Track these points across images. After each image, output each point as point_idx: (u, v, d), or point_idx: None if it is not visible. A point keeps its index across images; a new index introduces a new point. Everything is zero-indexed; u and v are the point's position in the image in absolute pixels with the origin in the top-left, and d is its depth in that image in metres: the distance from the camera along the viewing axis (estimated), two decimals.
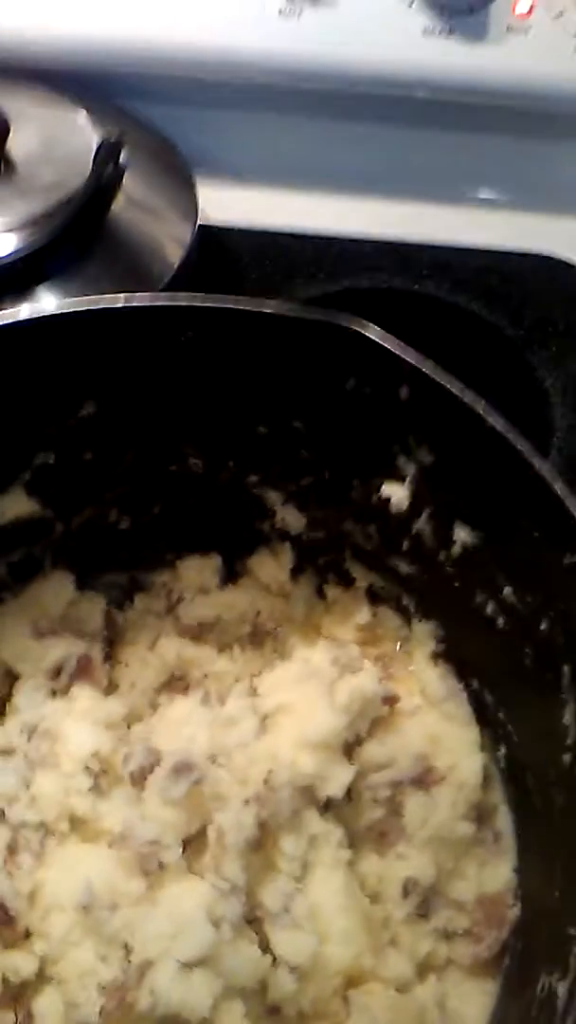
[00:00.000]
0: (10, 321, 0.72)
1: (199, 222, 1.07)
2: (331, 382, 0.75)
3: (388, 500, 0.80)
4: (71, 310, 0.72)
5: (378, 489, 0.80)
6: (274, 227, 1.23)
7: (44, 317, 0.72)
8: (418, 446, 0.75)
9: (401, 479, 0.78)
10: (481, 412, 0.66)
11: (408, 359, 0.69)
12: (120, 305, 0.71)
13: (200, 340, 0.74)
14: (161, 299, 0.73)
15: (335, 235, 1.23)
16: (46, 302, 0.98)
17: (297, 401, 0.78)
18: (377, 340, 0.69)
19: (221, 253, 1.21)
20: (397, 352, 0.69)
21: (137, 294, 0.72)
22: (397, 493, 0.79)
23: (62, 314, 0.72)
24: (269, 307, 0.72)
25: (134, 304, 0.71)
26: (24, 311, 0.72)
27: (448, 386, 0.69)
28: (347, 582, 0.92)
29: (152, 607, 0.93)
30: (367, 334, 0.69)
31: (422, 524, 0.79)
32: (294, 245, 1.23)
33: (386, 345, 0.69)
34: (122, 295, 0.72)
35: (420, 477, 0.76)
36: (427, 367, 0.69)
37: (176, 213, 1.09)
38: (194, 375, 0.77)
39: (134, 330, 0.73)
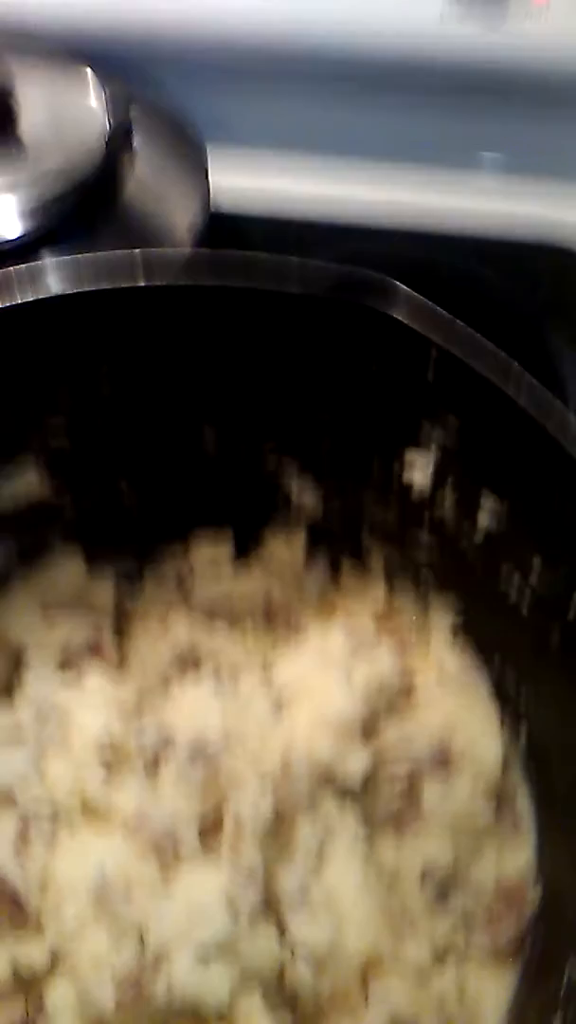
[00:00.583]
0: (33, 298, 0.69)
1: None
2: (356, 356, 0.72)
3: (411, 471, 0.78)
4: (92, 288, 0.69)
5: (401, 459, 0.78)
6: (285, 213, 1.20)
7: (66, 295, 0.69)
8: (442, 428, 0.72)
9: (426, 448, 0.76)
10: (510, 393, 0.64)
11: (434, 339, 0.67)
12: (142, 283, 0.69)
13: (219, 319, 0.72)
14: (183, 279, 0.71)
15: (348, 222, 1.19)
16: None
17: (318, 378, 0.76)
18: (406, 322, 0.67)
19: (235, 241, 1.18)
20: (424, 333, 0.67)
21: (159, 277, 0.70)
22: (420, 463, 0.77)
23: (84, 292, 0.70)
24: (293, 286, 0.69)
25: (155, 283, 0.69)
26: (48, 285, 0.70)
27: (472, 364, 0.67)
28: (363, 558, 0.90)
29: (163, 586, 0.91)
30: (395, 316, 0.67)
31: (446, 495, 0.77)
32: (305, 231, 1.19)
33: (413, 326, 0.67)
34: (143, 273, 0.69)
35: (446, 446, 0.74)
36: (455, 344, 0.67)
37: (187, 198, 1.07)
38: (213, 354, 0.75)
39: (154, 309, 0.71)
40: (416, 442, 0.77)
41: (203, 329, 0.73)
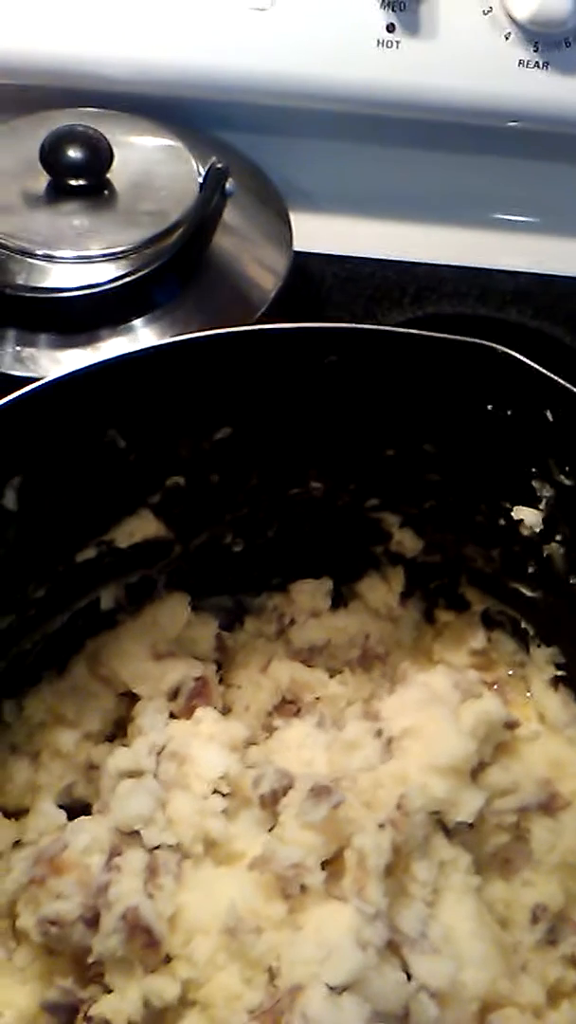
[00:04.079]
0: (157, 345, 0.72)
1: None
2: (470, 405, 0.75)
3: (517, 523, 0.80)
4: (217, 333, 0.72)
5: (507, 513, 0.81)
6: (357, 253, 1.24)
7: (189, 340, 0.73)
8: (559, 469, 0.75)
9: (535, 502, 0.78)
10: None
11: (560, 381, 0.69)
12: (268, 329, 0.72)
13: (342, 364, 0.75)
14: (307, 325, 0.74)
15: (417, 261, 1.24)
16: (145, 334, 0.99)
17: (431, 424, 0.78)
18: (529, 364, 0.70)
19: (305, 279, 1.22)
20: (549, 376, 0.69)
21: (284, 324, 0.73)
22: (530, 517, 0.79)
23: (207, 338, 0.73)
24: (417, 332, 0.72)
25: (283, 328, 0.72)
26: (159, 339, 0.72)
27: None
28: (460, 606, 0.92)
29: (263, 630, 0.93)
30: (517, 356, 0.70)
31: (554, 548, 0.79)
32: (377, 271, 1.24)
33: (538, 369, 0.69)
34: (269, 324, 0.73)
35: (558, 501, 0.76)
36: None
37: (271, 242, 1.10)
38: (330, 399, 0.78)
39: (279, 354, 0.73)
40: (525, 494, 0.79)
41: (317, 374, 0.76)
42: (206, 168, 1.04)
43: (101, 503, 0.79)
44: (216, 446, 0.79)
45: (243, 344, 0.73)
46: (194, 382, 0.74)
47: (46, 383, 0.67)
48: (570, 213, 1.25)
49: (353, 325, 0.73)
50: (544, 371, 0.70)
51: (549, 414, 0.72)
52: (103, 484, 0.77)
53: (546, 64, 1.09)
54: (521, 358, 0.71)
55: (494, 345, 0.72)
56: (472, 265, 1.23)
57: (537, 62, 1.09)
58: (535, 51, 1.09)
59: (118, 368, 0.70)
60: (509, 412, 0.74)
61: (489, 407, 0.75)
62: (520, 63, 1.09)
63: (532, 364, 0.70)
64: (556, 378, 0.70)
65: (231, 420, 0.78)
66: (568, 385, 0.70)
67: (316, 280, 1.22)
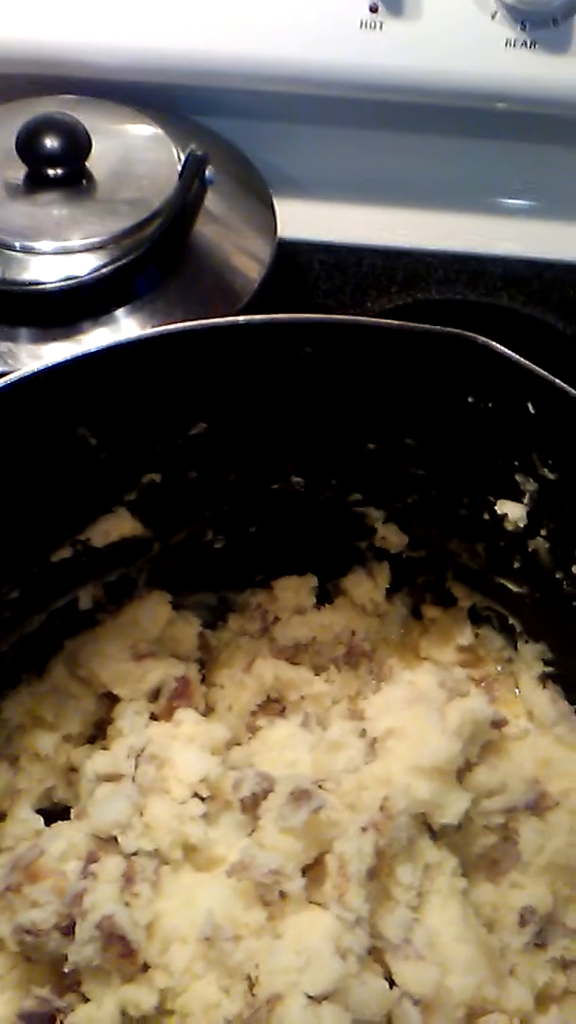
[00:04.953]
0: (125, 340, 0.70)
1: None
2: (451, 397, 0.73)
3: (501, 518, 0.78)
4: (190, 327, 0.70)
5: (491, 507, 0.79)
6: (343, 240, 1.22)
7: (161, 335, 0.71)
8: (542, 463, 0.73)
9: (519, 496, 0.76)
10: None
11: (541, 373, 0.67)
12: (242, 321, 0.70)
13: (318, 356, 0.73)
14: (280, 316, 0.72)
15: (405, 247, 1.22)
16: (127, 325, 0.97)
17: (412, 417, 0.76)
18: (509, 355, 0.67)
19: (292, 267, 1.20)
20: (529, 367, 0.67)
21: (258, 316, 0.71)
22: (514, 511, 0.77)
23: (179, 331, 0.71)
24: (393, 322, 0.70)
25: (256, 321, 0.70)
26: (139, 331, 0.71)
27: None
28: (446, 602, 0.90)
29: (247, 628, 0.91)
30: (498, 349, 0.68)
31: (539, 543, 0.77)
32: (364, 258, 1.22)
33: (518, 360, 0.67)
34: (243, 316, 0.70)
35: (541, 495, 0.74)
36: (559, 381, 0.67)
37: (255, 229, 1.08)
38: (308, 392, 0.76)
39: (253, 346, 0.72)
40: (509, 488, 0.77)
41: (293, 366, 0.74)
42: (186, 155, 1.02)
43: (74, 502, 0.77)
44: (191, 442, 0.77)
45: (215, 337, 0.71)
46: (165, 378, 0.72)
47: (9, 383, 0.65)
48: (562, 197, 1.22)
49: (328, 316, 0.71)
50: (524, 362, 0.68)
51: (531, 406, 0.70)
52: (75, 483, 0.76)
53: (533, 43, 1.07)
54: (501, 349, 0.68)
55: (473, 335, 0.69)
56: (461, 250, 1.20)
57: (524, 41, 1.07)
58: (522, 30, 1.06)
59: (83, 365, 0.68)
60: (490, 404, 0.72)
61: (470, 399, 0.73)
62: (507, 43, 1.07)
63: (512, 355, 0.68)
64: (536, 369, 0.68)
65: (205, 415, 0.76)
66: (549, 377, 0.68)
67: (302, 268, 1.19)
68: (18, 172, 1.01)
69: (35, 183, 1.01)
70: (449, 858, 0.77)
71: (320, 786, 0.77)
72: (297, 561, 0.91)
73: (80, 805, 0.79)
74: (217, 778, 0.78)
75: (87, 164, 1.02)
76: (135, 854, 0.74)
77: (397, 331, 0.71)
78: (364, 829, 0.74)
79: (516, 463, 0.75)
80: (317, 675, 0.89)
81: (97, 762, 0.79)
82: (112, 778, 0.78)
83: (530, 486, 0.75)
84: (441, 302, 1.19)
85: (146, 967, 0.71)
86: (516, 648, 0.87)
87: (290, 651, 0.90)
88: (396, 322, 0.71)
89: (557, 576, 0.78)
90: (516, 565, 0.81)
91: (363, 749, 0.80)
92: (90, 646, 0.86)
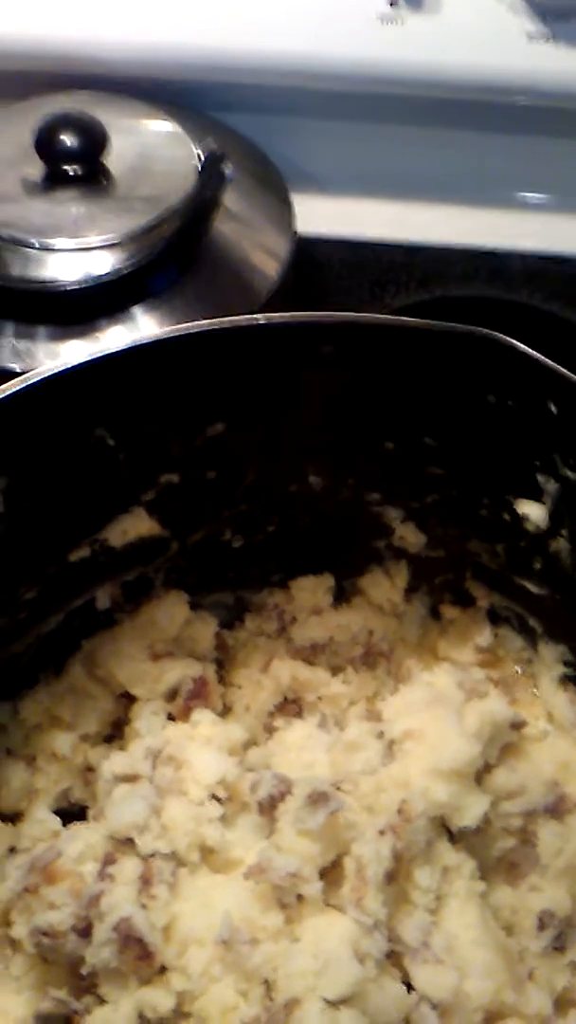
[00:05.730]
0: (145, 340, 0.70)
1: None
2: (471, 396, 0.73)
3: (523, 519, 0.78)
4: (209, 327, 0.70)
5: (511, 507, 0.78)
6: (362, 236, 1.21)
7: (181, 335, 0.70)
8: (564, 463, 0.72)
9: (540, 496, 0.75)
10: None
11: (563, 372, 0.66)
12: (262, 320, 0.69)
13: (337, 355, 0.72)
14: (298, 315, 0.71)
15: (424, 243, 1.21)
16: (145, 323, 0.97)
17: (431, 416, 0.76)
18: (531, 353, 0.67)
19: (310, 263, 1.19)
20: (551, 366, 0.66)
21: (276, 314, 0.70)
22: (534, 511, 0.76)
23: (199, 331, 0.70)
24: (413, 321, 0.69)
25: (276, 321, 0.69)
26: (157, 329, 0.70)
27: None
28: (465, 602, 0.89)
29: (264, 628, 0.91)
30: (520, 347, 0.67)
31: (560, 544, 0.77)
32: (383, 254, 1.21)
33: (540, 358, 0.66)
34: (261, 315, 0.70)
35: (563, 495, 0.74)
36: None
37: (273, 225, 1.07)
38: (326, 391, 0.75)
39: (271, 345, 0.71)
40: (530, 488, 0.76)
41: (312, 365, 0.73)
42: (204, 152, 1.01)
43: (92, 502, 0.77)
44: (209, 442, 0.77)
45: (234, 337, 0.71)
46: (183, 377, 0.72)
47: (27, 384, 0.65)
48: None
49: (347, 315, 0.71)
50: (547, 361, 0.67)
51: (553, 406, 0.69)
52: (93, 483, 0.76)
53: (555, 37, 1.05)
54: (523, 347, 0.68)
55: (494, 333, 0.69)
56: (481, 246, 1.19)
57: (545, 35, 1.05)
58: (543, 23, 1.05)
59: (101, 366, 0.67)
60: (511, 403, 0.72)
61: (490, 398, 0.73)
62: (528, 36, 1.06)
63: (534, 353, 0.68)
64: (559, 368, 0.67)
65: (223, 415, 0.76)
66: (572, 376, 0.67)
67: (321, 264, 1.19)
68: (36, 170, 1.01)
69: (53, 181, 1.01)
70: (467, 861, 0.76)
71: (338, 788, 0.77)
72: (314, 561, 0.90)
73: (97, 806, 0.79)
74: (234, 780, 0.78)
75: (105, 161, 1.02)
76: (152, 856, 0.73)
77: (417, 329, 0.70)
78: (382, 832, 0.73)
79: (537, 463, 0.74)
80: (334, 676, 0.89)
81: (114, 763, 0.79)
82: (129, 779, 0.77)
83: (551, 486, 0.74)
84: (460, 298, 1.18)
85: (163, 969, 0.71)
86: (536, 649, 0.86)
87: (307, 651, 0.89)
88: (416, 320, 0.70)
89: None
90: (537, 566, 0.80)
91: (381, 751, 0.80)
92: (107, 646, 0.85)
